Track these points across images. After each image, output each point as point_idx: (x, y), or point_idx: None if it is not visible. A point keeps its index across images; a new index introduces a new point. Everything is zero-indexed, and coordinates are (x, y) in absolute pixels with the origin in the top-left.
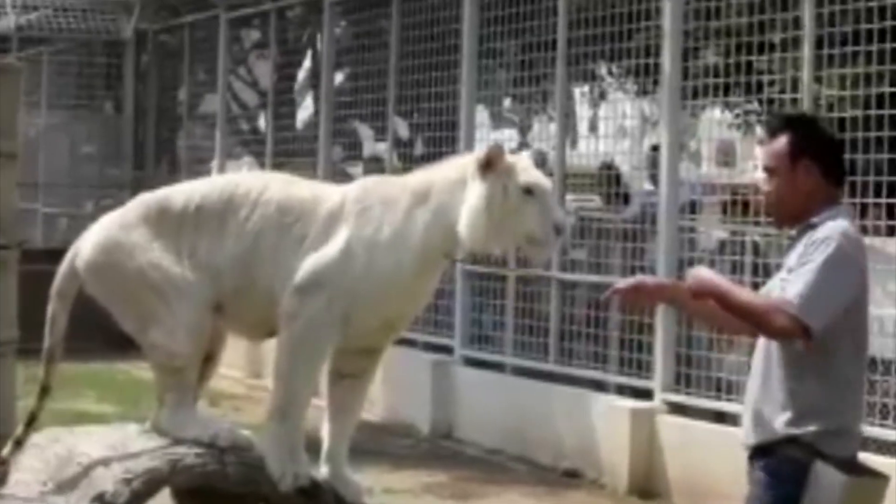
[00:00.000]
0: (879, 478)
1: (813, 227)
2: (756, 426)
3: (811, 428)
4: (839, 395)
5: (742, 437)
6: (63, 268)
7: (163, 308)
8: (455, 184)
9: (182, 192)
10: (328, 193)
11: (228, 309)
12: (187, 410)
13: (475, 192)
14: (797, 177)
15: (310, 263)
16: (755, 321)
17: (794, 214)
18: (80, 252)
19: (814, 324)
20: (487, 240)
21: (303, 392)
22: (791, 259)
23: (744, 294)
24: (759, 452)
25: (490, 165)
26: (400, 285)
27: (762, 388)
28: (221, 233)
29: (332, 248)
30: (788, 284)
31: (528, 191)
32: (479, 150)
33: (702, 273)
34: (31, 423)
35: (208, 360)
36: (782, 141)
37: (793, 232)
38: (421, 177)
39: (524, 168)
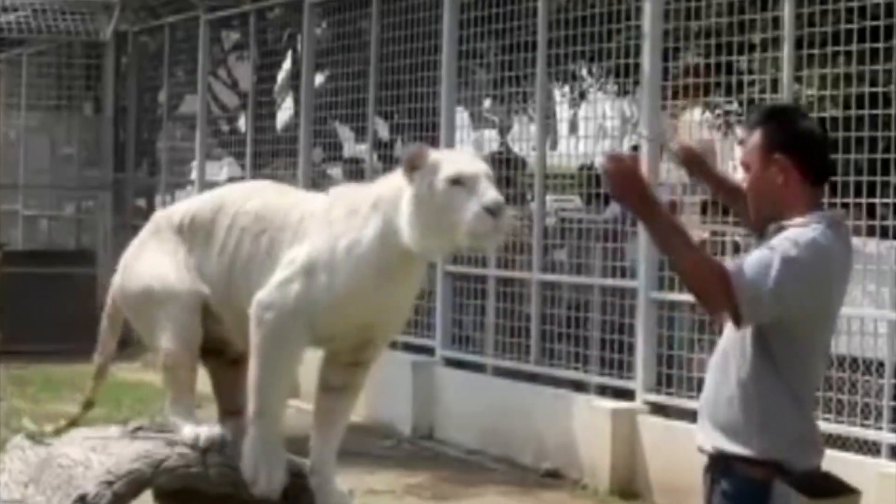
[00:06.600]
0: (847, 494)
1: (785, 229)
2: (712, 433)
3: (770, 441)
4: (797, 402)
5: (698, 440)
6: (110, 291)
7: (160, 313)
8: (399, 189)
9: (183, 205)
10: (304, 202)
11: (222, 318)
12: (181, 410)
13: (405, 198)
14: (769, 172)
15: (276, 273)
16: (685, 275)
17: (767, 213)
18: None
19: (745, 311)
20: (428, 242)
21: (273, 398)
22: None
23: (679, 236)
24: (716, 466)
25: (413, 167)
26: (359, 294)
27: (717, 389)
28: (209, 243)
29: (298, 255)
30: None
31: (456, 181)
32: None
33: (625, 167)
34: (72, 424)
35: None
36: (757, 134)
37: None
38: (378, 185)
39: (449, 160)
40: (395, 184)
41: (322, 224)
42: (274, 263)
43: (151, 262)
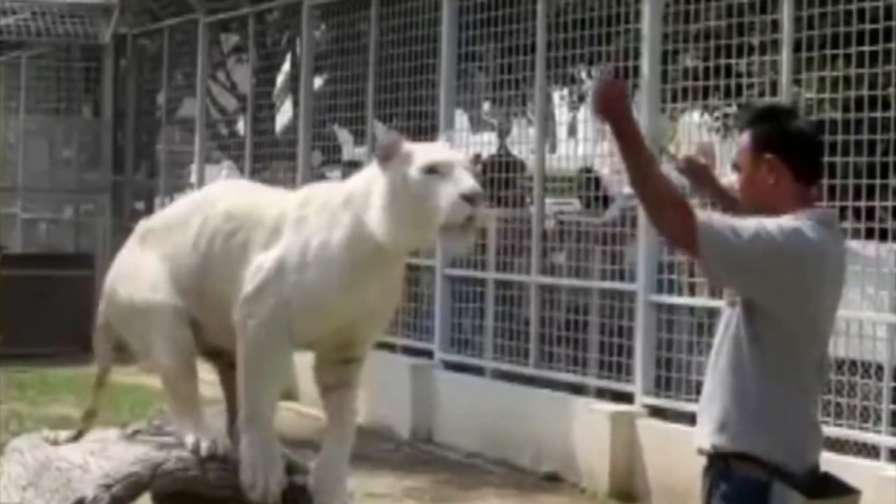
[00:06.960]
0: (847, 494)
1: None
2: (711, 433)
3: (769, 441)
4: (796, 402)
5: (696, 441)
6: (100, 304)
7: (148, 327)
8: (371, 184)
9: (161, 213)
10: (279, 200)
11: (201, 321)
12: (186, 423)
13: (378, 190)
14: (759, 172)
15: (250, 274)
16: (649, 198)
17: (760, 214)
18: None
19: (707, 254)
20: (402, 234)
21: (263, 401)
22: None
23: (651, 161)
24: (715, 466)
25: (387, 156)
26: (333, 294)
27: (716, 389)
28: (182, 245)
29: (269, 259)
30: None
31: (431, 170)
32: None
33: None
34: (78, 437)
35: None
36: (747, 135)
37: None
38: (350, 181)
39: (423, 149)
40: (367, 180)
41: (294, 223)
42: (248, 263)
43: (135, 275)
